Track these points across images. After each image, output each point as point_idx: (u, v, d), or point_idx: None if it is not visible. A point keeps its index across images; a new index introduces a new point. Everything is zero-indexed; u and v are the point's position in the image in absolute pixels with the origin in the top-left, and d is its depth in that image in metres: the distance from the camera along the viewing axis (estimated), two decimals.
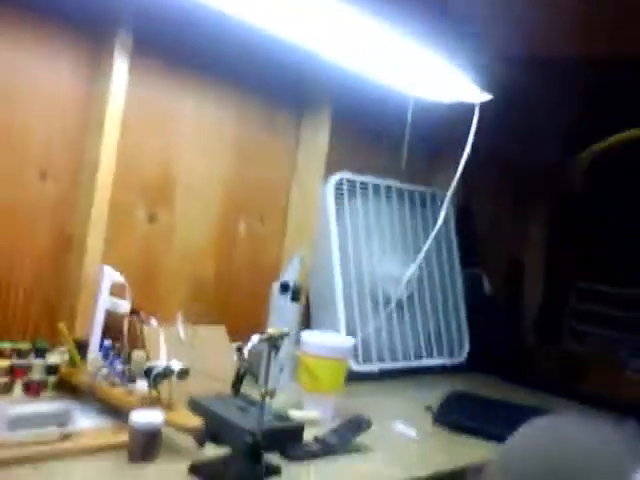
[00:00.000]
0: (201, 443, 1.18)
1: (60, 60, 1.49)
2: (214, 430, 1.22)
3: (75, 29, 1.49)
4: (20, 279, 1.47)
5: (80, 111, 1.53)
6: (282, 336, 1.22)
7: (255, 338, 1.19)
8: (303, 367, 1.51)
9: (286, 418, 1.36)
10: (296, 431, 1.32)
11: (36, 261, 1.50)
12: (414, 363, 2.08)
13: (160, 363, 1.26)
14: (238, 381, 1.16)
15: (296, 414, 1.41)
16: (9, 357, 1.31)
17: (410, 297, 2.12)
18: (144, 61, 1.60)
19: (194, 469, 1.12)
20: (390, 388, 1.90)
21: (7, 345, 1.33)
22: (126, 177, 1.61)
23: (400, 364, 2.03)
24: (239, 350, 1.18)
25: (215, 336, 1.60)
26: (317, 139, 1.99)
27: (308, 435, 1.33)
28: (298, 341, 1.61)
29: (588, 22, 1.57)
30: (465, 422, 1.55)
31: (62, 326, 1.39)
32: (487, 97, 1.72)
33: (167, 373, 1.24)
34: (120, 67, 1.52)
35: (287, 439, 1.29)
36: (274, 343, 1.21)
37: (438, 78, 1.71)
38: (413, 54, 1.56)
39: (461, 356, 2.24)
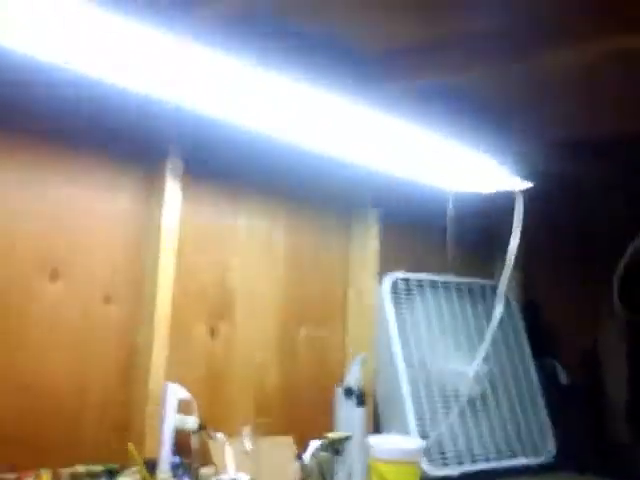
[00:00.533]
0: None
1: (118, 189, 1.60)
2: None
3: (130, 158, 1.61)
4: (90, 401, 1.52)
5: (139, 234, 1.63)
6: (343, 440, 1.20)
7: (314, 443, 1.17)
8: (373, 473, 1.46)
9: None
10: None
11: (104, 384, 1.55)
12: (496, 464, 1.96)
13: (227, 477, 1.25)
14: None
15: None
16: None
17: (484, 395, 2.04)
18: (196, 182, 1.70)
19: None
20: None
21: (81, 469, 1.35)
22: (185, 294, 1.68)
23: (480, 466, 1.92)
24: (299, 458, 1.16)
25: (282, 447, 1.57)
26: (367, 241, 2.04)
27: None
28: (367, 448, 1.57)
29: (621, 100, 1.58)
30: None
31: (132, 447, 1.41)
32: (527, 185, 1.73)
33: None
34: (172, 189, 1.62)
35: None
36: (335, 447, 1.19)
37: (477, 170, 1.75)
38: (452, 150, 1.61)
39: (546, 454, 2.10)
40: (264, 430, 1.65)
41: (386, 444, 1.48)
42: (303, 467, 1.15)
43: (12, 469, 1.32)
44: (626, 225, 2.53)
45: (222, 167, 1.78)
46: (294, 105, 1.37)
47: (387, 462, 1.43)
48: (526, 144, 1.74)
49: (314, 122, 1.46)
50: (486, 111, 1.58)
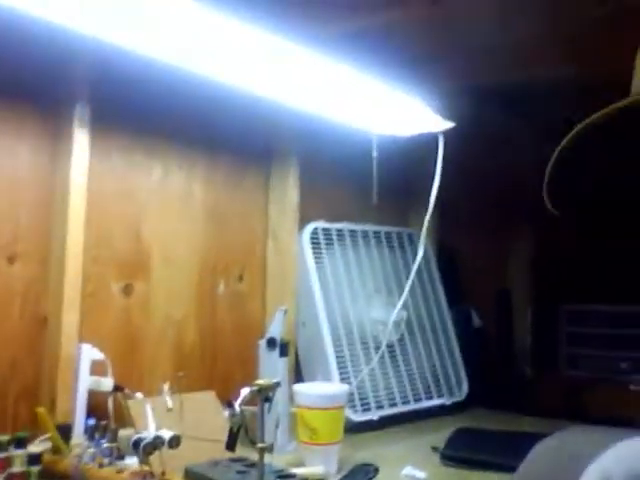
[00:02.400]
0: None
1: (20, 140, 1.47)
2: None
3: (33, 107, 1.48)
4: None
5: (44, 190, 1.50)
6: (273, 387, 1.17)
7: (245, 391, 1.14)
8: (300, 421, 1.45)
9: (289, 476, 1.29)
10: None
11: (10, 346, 1.44)
12: (414, 407, 2.01)
13: (148, 433, 1.20)
14: (233, 438, 1.10)
15: (299, 471, 1.34)
16: None
17: (401, 340, 2.08)
18: (106, 133, 1.59)
19: None
20: (392, 434, 1.83)
21: None
22: (97, 251, 1.58)
23: (399, 409, 1.96)
24: (230, 405, 1.12)
25: (205, 402, 1.53)
26: (286, 191, 1.99)
27: None
28: (291, 398, 1.55)
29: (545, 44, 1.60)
30: (473, 456, 1.49)
31: (42, 411, 1.33)
32: (450, 125, 1.73)
33: (157, 443, 1.18)
34: (80, 138, 1.50)
35: None
36: (265, 395, 1.16)
37: (399, 112, 1.73)
38: (372, 90, 1.58)
39: (460, 394, 2.18)
40: (184, 386, 1.60)
41: (311, 391, 1.47)
42: (232, 417, 1.11)
43: None
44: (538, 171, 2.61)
45: (134, 115, 1.66)
46: (213, 38, 1.29)
47: (313, 408, 1.43)
48: (450, 85, 1.73)
49: (232, 57, 1.38)
50: (409, 50, 1.56)
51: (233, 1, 1.20)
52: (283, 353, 1.66)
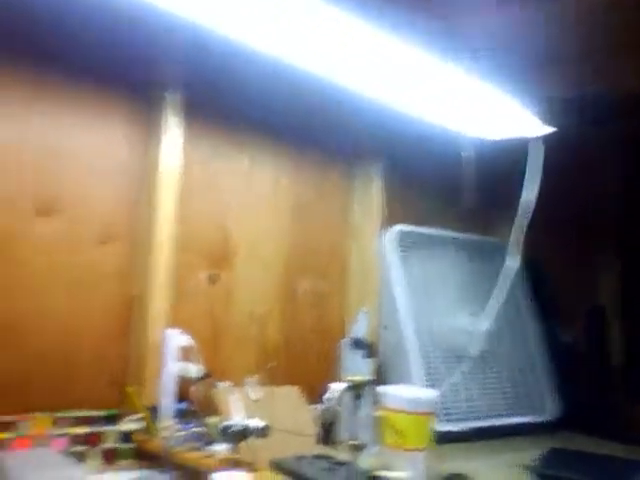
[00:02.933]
0: None
1: (113, 127, 1.50)
2: None
3: (126, 93, 1.51)
4: (87, 346, 1.43)
5: (136, 176, 1.53)
6: (366, 384, 1.14)
7: (336, 386, 1.11)
8: (386, 424, 1.40)
9: (378, 477, 1.25)
10: None
11: (102, 327, 1.46)
12: (499, 422, 1.93)
13: (238, 422, 1.19)
14: (326, 432, 1.07)
15: (385, 475, 1.30)
16: (81, 426, 1.25)
17: (487, 352, 2.00)
18: (196, 122, 1.61)
19: None
20: (477, 448, 1.76)
21: (80, 413, 1.27)
22: (185, 238, 1.59)
23: (484, 423, 1.89)
24: (321, 400, 1.10)
25: (288, 396, 1.52)
26: (371, 192, 1.96)
27: None
28: (376, 402, 1.51)
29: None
30: (571, 476, 1.40)
31: (132, 391, 1.34)
32: (551, 131, 1.65)
33: (246, 432, 1.16)
34: (172, 126, 1.52)
35: None
36: (357, 392, 1.13)
37: (494, 113, 1.66)
38: (472, 89, 1.53)
39: (548, 413, 2.08)
40: (268, 380, 1.59)
41: (399, 393, 1.42)
42: (324, 412, 1.08)
43: (10, 413, 1.23)
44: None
45: (225, 105, 1.68)
46: (309, 32, 1.26)
47: (400, 412, 1.38)
48: (557, 92, 1.65)
49: (327, 52, 1.35)
50: (516, 52, 1.50)
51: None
52: (369, 354, 1.63)
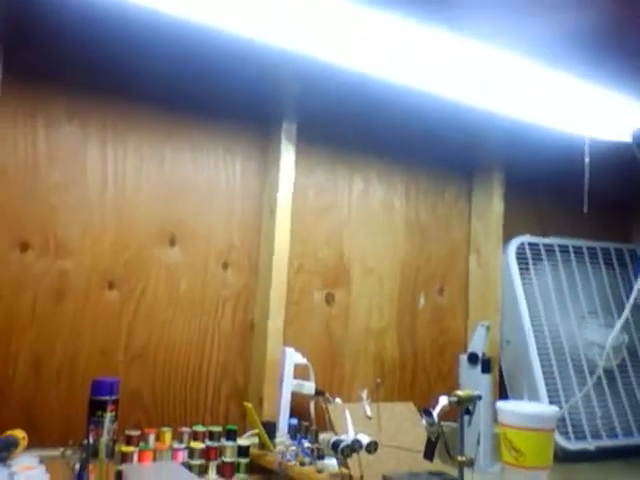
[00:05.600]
0: None
1: (233, 156, 1.59)
2: None
3: (243, 125, 1.60)
4: (210, 365, 1.52)
5: (254, 203, 1.61)
6: (473, 399, 1.11)
7: (444, 400, 1.09)
8: (503, 440, 1.35)
9: None
10: None
11: (223, 348, 1.55)
12: (637, 440, 1.78)
13: (348, 437, 1.20)
14: (431, 448, 1.05)
15: None
16: (203, 440, 1.33)
17: (622, 366, 1.86)
18: (310, 148, 1.67)
19: None
20: (612, 468, 1.64)
21: (201, 428, 1.35)
22: (301, 261, 1.65)
23: (620, 441, 1.75)
24: (428, 414, 1.08)
25: (403, 412, 1.50)
26: (490, 204, 1.91)
27: None
28: (495, 418, 1.47)
29: None
30: None
31: (250, 406, 1.40)
32: None
33: (355, 447, 1.17)
34: (287, 156, 1.59)
35: None
36: (465, 407, 1.10)
37: (616, 114, 1.57)
38: (586, 91, 1.45)
39: None
40: (383, 396, 1.59)
41: (517, 409, 1.37)
42: (430, 426, 1.07)
43: (137, 427, 1.34)
44: None
45: (336, 130, 1.73)
46: (414, 49, 1.27)
47: (518, 428, 1.33)
48: None
49: (433, 67, 1.35)
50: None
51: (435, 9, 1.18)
52: (486, 369, 1.58)
